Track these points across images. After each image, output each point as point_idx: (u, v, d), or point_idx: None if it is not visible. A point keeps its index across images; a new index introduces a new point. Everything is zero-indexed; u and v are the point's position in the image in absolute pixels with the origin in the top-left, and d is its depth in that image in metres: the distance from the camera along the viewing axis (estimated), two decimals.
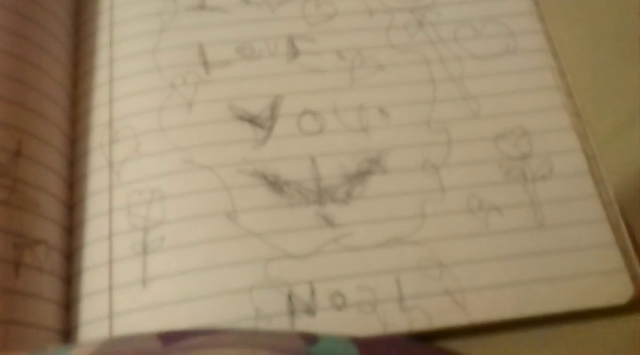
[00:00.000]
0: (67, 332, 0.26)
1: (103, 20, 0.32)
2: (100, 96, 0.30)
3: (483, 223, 0.27)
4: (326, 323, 0.25)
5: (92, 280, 0.26)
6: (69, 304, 0.26)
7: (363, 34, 0.31)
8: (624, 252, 0.27)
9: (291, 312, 0.25)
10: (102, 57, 0.31)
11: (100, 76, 0.30)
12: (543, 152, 0.29)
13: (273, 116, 0.29)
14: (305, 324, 0.25)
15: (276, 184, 0.27)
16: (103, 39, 0.31)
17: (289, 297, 0.25)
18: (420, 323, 0.25)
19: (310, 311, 0.25)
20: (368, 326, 0.25)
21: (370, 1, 0.32)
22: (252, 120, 0.29)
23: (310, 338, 0.22)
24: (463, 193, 0.28)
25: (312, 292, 0.25)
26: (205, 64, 0.30)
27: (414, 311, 0.25)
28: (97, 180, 0.28)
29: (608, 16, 0.32)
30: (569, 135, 0.29)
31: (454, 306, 0.25)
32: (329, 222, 0.27)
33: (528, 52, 0.31)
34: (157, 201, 0.27)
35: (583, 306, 0.26)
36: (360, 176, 0.28)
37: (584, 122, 0.30)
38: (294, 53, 0.31)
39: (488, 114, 0.29)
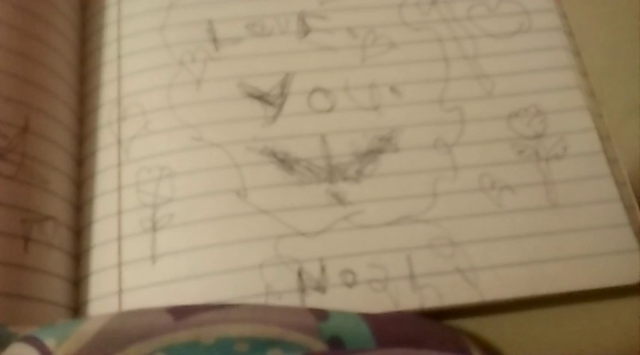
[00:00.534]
0: (76, 309, 0.26)
1: None
2: (108, 73, 0.30)
3: (496, 202, 0.27)
4: (336, 300, 0.25)
5: (101, 256, 0.26)
6: (78, 280, 0.26)
7: (376, 11, 0.31)
8: (637, 232, 0.27)
9: (302, 289, 0.25)
10: (110, 34, 0.30)
11: (108, 53, 0.30)
12: (557, 131, 0.28)
13: (283, 94, 0.29)
14: (315, 301, 0.25)
15: (286, 162, 0.27)
16: (111, 16, 0.31)
17: (299, 274, 0.25)
18: (432, 301, 0.25)
19: (320, 288, 0.25)
20: (379, 304, 0.25)
21: None
22: (262, 98, 0.28)
23: (321, 314, 0.22)
24: (476, 172, 0.27)
25: (323, 269, 0.25)
26: (215, 41, 0.30)
27: (425, 289, 0.25)
28: (105, 157, 0.28)
29: None
30: (583, 114, 0.29)
31: (466, 285, 0.25)
32: (340, 199, 0.27)
33: (543, 31, 0.31)
34: (166, 178, 0.27)
35: (595, 285, 0.26)
36: (371, 154, 0.28)
37: (598, 102, 0.30)
38: (305, 30, 0.30)
39: (502, 93, 0.29)
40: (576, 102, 0.29)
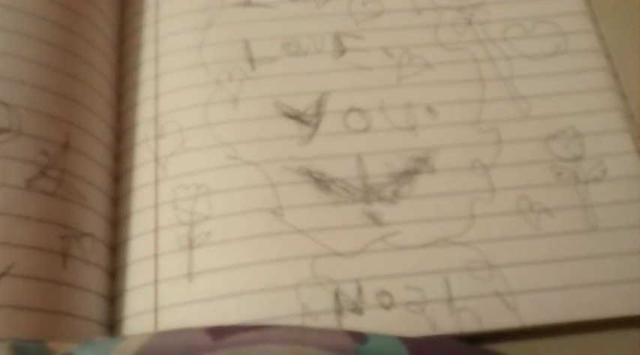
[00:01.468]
0: (112, 325, 0.26)
1: (149, 16, 0.32)
2: (145, 91, 0.30)
3: (534, 225, 0.26)
4: (373, 322, 0.24)
5: (137, 273, 0.26)
6: (114, 297, 0.26)
7: (411, 32, 0.31)
8: None
9: (338, 310, 0.25)
10: (148, 52, 0.31)
11: (146, 71, 0.30)
12: (596, 154, 0.28)
13: (319, 113, 0.29)
14: (352, 323, 0.24)
15: (321, 181, 0.27)
16: (148, 34, 0.31)
17: (336, 295, 0.25)
18: (470, 324, 0.25)
19: (357, 309, 0.25)
20: (416, 327, 0.24)
21: None
22: (297, 117, 0.29)
23: (359, 337, 0.22)
24: (513, 194, 0.27)
25: (359, 290, 0.25)
26: (251, 60, 0.30)
27: (463, 312, 0.25)
28: (142, 174, 0.28)
29: None
30: (622, 137, 0.29)
31: (504, 308, 0.25)
32: (376, 220, 0.26)
33: (580, 53, 0.30)
34: (203, 196, 0.27)
35: (635, 312, 0.25)
36: (407, 175, 0.27)
37: (637, 124, 0.29)
38: (341, 50, 0.30)
39: (539, 114, 0.29)
40: (615, 124, 0.29)
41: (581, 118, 0.29)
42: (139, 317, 0.25)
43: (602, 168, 0.28)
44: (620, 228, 0.27)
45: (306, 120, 0.29)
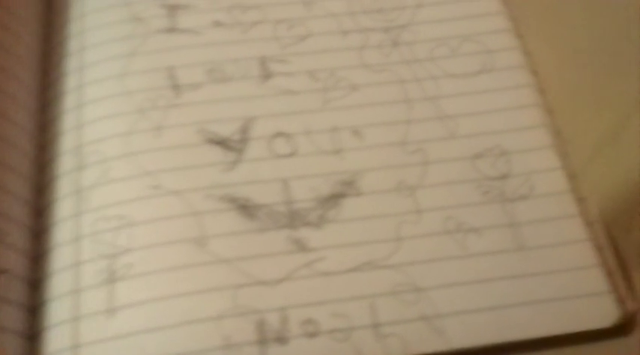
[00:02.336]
0: None
1: (74, 45, 0.31)
2: (69, 121, 0.29)
3: (461, 245, 0.26)
4: (298, 352, 0.24)
5: (57, 310, 0.25)
6: (33, 335, 0.25)
7: (337, 54, 0.31)
8: (610, 274, 0.26)
9: (262, 341, 0.24)
10: (71, 82, 0.30)
11: (70, 101, 0.30)
12: (523, 171, 0.28)
13: (244, 139, 0.28)
14: (276, 353, 0.24)
15: (246, 208, 0.27)
16: (72, 64, 0.31)
17: (259, 325, 0.24)
18: (396, 350, 0.24)
19: (281, 339, 0.24)
20: None
21: (344, 21, 0.32)
22: (222, 144, 0.28)
23: None
24: (440, 215, 0.27)
25: (284, 320, 0.24)
26: (175, 88, 0.29)
27: (389, 338, 0.24)
28: (64, 207, 0.27)
29: (587, 32, 0.32)
30: (549, 153, 0.29)
31: (432, 332, 0.24)
32: (301, 246, 0.26)
33: (506, 70, 0.31)
34: (125, 227, 0.26)
35: (566, 330, 0.25)
36: (333, 199, 0.27)
37: (564, 140, 0.29)
38: (266, 75, 0.30)
39: (466, 133, 0.29)
40: (542, 141, 0.29)
41: (508, 136, 0.29)
42: None
43: (529, 185, 0.28)
44: (548, 246, 0.26)
45: (231, 146, 0.28)
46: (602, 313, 0.25)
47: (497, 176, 0.28)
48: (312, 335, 0.24)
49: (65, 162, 0.28)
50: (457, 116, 0.29)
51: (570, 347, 0.25)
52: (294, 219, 0.27)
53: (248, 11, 0.32)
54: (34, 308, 0.26)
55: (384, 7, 0.32)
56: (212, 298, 0.25)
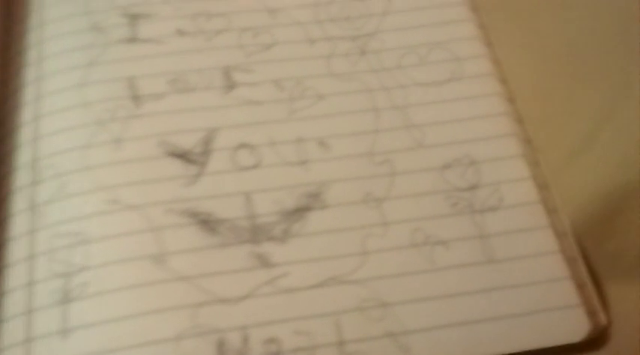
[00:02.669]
0: None
1: (32, 55, 0.30)
2: (24, 134, 0.28)
3: (428, 259, 0.25)
4: None
5: (10, 332, 0.24)
6: None
7: (303, 63, 0.30)
8: (581, 286, 0.26)
9: None
10: (30, 93, 0.29)
11: (26, 114, 0.29)
12: (492, 182, 0.27)
13: (206, 151, 0.27)
14: None
15: (207, 223, 0.26)
16: (30, 74, 0.30)
17: (219, 345, 0.23)
18: None
19: None
20: None
21: (311, 29, 0.31)
22: (183, 156, 0.27)
23: None
24: (407, 227, 0.26)
25: (245, 339, 0.24)
26: (136, 98, 0.29)
27: None
28: (18, 224, 0.26)
29: (558, 39, 0.31)
30: (518, 163, 0.28)
31: (397, 350, 0.24)
32: (264, 262, 0.25)
33: (475, 78, 0.30)
34: (80, 244, 0.25)
35: (536, 346, 0.24)
36: (298, 212, 0.26)
37: (535, 149, 0.29)
38: (230, 85, 0.29)
39: (434, 143, 0.28)
40: (511, 150, 0.28)
41: (477, 145, 0.28)
42: None
43: (499, 196, 0.27)
44: (517, 259, 0.26)
45: (193, 159, 0.27)
46: (572, 327, 0.25)
47: (466, 187, 0.27)
48: (274, 354, 0.23)
49: (21, 177, 0.27)
50: (425, 125, 0.29)
51: None
52: (257, 233, 0.26)
53: (212, 19, 0.31)
54: None
55: (351, 15, 0.31)
56: (170, 317, 0.24)
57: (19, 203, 0.27)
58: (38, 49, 0.30)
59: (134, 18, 0.31)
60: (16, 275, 0.25)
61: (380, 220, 0.26)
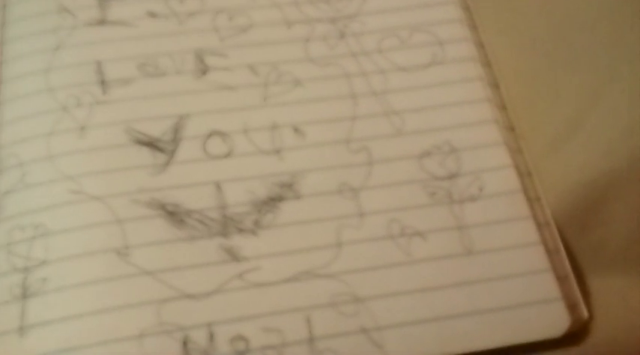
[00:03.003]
0: None
1: None
2: None
3: (405, 251, 0.25)
4: None
5: None
6: None
7: (280, 47, 0.29)
8: (563, 278, 0.25)
9: None
10: None
11: None
12: (472, 170, 0.26)
13: (176, 139, 0.26)
14: None
15: (175, 215, 0.25)
16: None
17: (184, 343, 0.23)
18: None
19: None
20: None
21: (288, 11, 0.30)
22: (151, 144, 0.26)
23: None
24: (383, 218, 0.25)
25: (211, 336, 0.23)
26: (103, 83, 0.27)
27: (325, 353, 0.23)
28: None
29: (544, 24, 0.30)
30: (500, 150, 0.27)
31: (370, 346, 0.23)
32: (234, 255, 0.24)
33: (457, 62, 0.29)
34: (41, 237, 0.24)
35: (514, 341, 0.23)
36: (270, 202, 0.25)
37: (518, 136, 0.28)
38: (203, 69, 0.28)
39: (413, 130, 0.27)
40: (493, 137, 0.27)
41: (458, 132, 0.27)
42: None
43: (479, 185, 0.26)
44: (497, 250, 0.25)
45: (161, 147, 0.26)
46: (553, 322, 0.24)
47: (445, 175, 0.26)
48: (241, 352, 0.22)
49: None
50: (404, 111, 0.27)
51: None
52: (226, 225, 0.25)
53: (185, 0, 0.30)
54: None
55: None
56: (133, 314, 0.23)
57: None
58: (0, 31, 0.29)
59: None
60: None
61: (355, 211, 0.25)
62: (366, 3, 0.30)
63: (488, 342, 0.23)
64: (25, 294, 0.23)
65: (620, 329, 0.24)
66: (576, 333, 0.24)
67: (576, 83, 0.28)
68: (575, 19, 0.29)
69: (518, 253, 0.25)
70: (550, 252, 0.25)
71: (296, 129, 0.27)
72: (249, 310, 0.23)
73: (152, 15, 0.29)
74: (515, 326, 0.23)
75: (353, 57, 0.29)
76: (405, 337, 0.23)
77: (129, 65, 0.28)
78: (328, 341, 0.23)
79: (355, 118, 0.27)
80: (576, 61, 0.29)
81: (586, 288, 0.25)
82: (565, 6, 0.30)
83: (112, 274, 0.23)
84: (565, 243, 0.26)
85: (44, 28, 0.29)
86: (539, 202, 0.26)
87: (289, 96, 0.28)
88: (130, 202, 0.25)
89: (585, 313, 0.24)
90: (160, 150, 0.26)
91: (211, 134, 0.27)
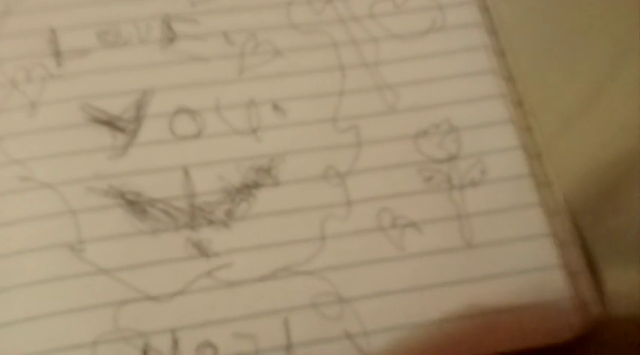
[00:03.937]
0: None
1: None
2: None
3: (397, 244, 0.22)
4: None
5: None
6: None
7: (259, 12, 0.26)
8: (575, 274, 0.22)
9: None
10: None
11: None
12: (474, 152, 0.24)
13: (138, 117, 0.24)
14: None
15: (136, 204, 0.22)
16: None
17: (144, 352, 0.20)
18: None
19: None
20: None
21: None
22: (111, 123, 0.23)
23: None
24: (373, 207, 0.23)
25: (175, 343, 0.20)
26: (57, 55, 0.24)
27: None
28: None
29: None
30: (506, 129, 0.24)
31: (356, 354, 0.20)
32: (202, 250, 0.22)
33: (459, 29, 0.26)
34: None
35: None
36: (245, 190, 0.23)
37: (526, 112, 0.25)
38: (170, 38, 0.25)
39: (408, 106, 0.24)
40: (498, 114, 0.25)
41: (459, 108, 0.25)
42: None
43: (481, 168, 0.23)
44: (501, 242, 0.22)
45: (122, 126, 0.23)
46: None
47: (443, 158, 0.24)
48: None
49: None
50: (398, 85, 0.25)
51: None
52: (195, 216, 0.22)
53: None
54: None
55: None
56: (87, 319, 0.20)
57: None
58: None
59: None
60: None
61: (342, 199, 0.23)
62: None
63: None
64: None
65: (638, 324, 0.22)
66: (590, 333, 0.22)
67: (593, 53, 0.26)
68: None
69: (525, 246, 0.22)
70: (561, 245, 0.23)
71: (275, 106, 0.24)
72: (219, 313, 0.21)
73: None
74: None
75: (341, 23, 0.26)
76: (396, 343, 0.20)
77: (87, 33, 0.25)
78: (308, 348, 0.20)
79: (343, 93, 0.25)
80: (593, 27, 0.26)
81: (601, 283, 0.23)
82: None
83: (64, 272, 0.21)
84: (578, 233, 0.23)
85: None
86: (550, 188, 0.24)
87: (268, 68, 0.25)
88: (85, 190, 0.22)
89: (599, 311, 0.22)
90: (120, 129, 0.23)
91: (178, 111, 0.24)
